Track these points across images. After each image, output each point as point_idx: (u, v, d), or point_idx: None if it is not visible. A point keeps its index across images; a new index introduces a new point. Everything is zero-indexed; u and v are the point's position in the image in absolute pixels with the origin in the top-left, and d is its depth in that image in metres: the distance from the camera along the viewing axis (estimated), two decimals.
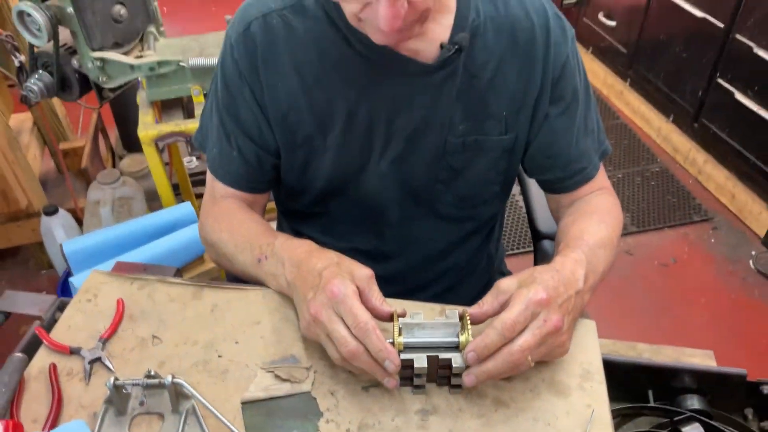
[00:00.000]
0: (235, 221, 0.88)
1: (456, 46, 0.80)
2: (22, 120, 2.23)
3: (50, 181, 2.30)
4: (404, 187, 0.91)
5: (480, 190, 0.94)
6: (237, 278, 0.91)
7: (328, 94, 0.84)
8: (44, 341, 0.72)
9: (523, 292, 0.65)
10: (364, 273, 0.69)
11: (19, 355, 0.69)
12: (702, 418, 0.72)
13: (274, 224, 1.04)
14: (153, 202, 2.00)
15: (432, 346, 0.65)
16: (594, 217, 0.85)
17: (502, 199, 1.00)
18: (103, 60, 1.47)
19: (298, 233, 1.01)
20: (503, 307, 0.66)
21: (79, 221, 1.96)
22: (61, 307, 0.79)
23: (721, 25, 2.20)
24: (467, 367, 0.64)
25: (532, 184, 1.17)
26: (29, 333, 0.74)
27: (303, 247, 0.76)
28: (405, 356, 0.64)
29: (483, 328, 0.64)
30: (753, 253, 2.17)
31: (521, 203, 2.35)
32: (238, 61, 0.84)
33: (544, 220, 1.14)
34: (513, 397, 0.67)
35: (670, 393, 0.76)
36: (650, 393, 0.77)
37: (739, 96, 2.16)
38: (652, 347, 0.85)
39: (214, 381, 0.68)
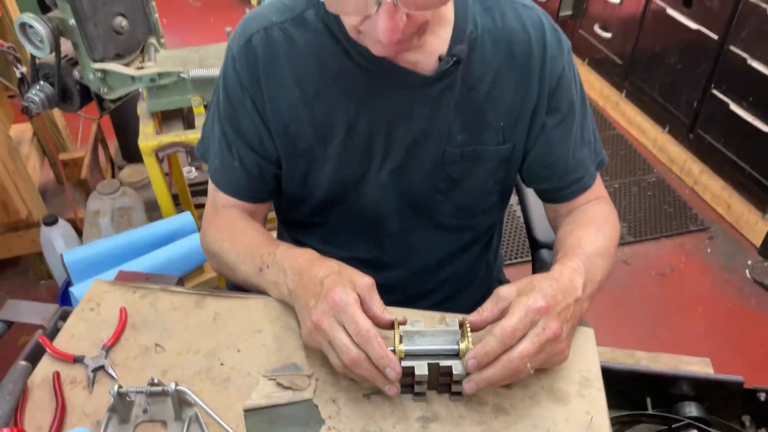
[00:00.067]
0: (237, 231, 0.89)
1: (454, 58, 0.81)
2: (22, 131, 2.24)
3: (49, 192, 2.31)
4: (404, 197, 0.92)
5: (478, 199, 0.95)
6: (238, 287, 0.92)
7: (329, 105, 0.85)
8: (47, 350, 0.72)
9: (522, 299, 0.66)
10: (365, 281, 0.70)
11: (23, 363, 0.70)
12: (700, 425, 0.73)
13: (274, 234, 1.05)
14: (152, 212, 2.01)
15: (432, 353, 0.66)
16: (591, 227, 0.86)
17: (500, 208, 1.01)
18: (104, 71, 1.48)
19: (298, 243, 1.02)
20: (503, 314, 0.67)
21: (79, 231, 1.96)
22: (64, 316, 0.79)
23: (715, 37, 2.23)
24: (467, 374, 0.64)
25: (530, 194, 1.18)
26: (32, 341, 0.74)
27: (304, 255, 0.77)
28: (406, 364, 0.65)
29: (483, 336, 0.65)
30: (749, 262, 2.19)
31: (519, 213, 2.36)
32: (240, 73, 0.85)
33: (541, 230, 1.15)
34: (513, 404, 0.68)
35: (668, 400, 0.77)
36: (648, 400, 0.78)
37: (734, 107, 2.18)
38: (649, 355, 0.85)
39: (217, 389, 0.69)
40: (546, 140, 0.90)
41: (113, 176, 2.39)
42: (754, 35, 2.07)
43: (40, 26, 1.37)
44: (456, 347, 0.66)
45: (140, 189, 2.08)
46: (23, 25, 1.39)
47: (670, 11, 2.43)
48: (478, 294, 1.08)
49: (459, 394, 0.67)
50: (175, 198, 2.04)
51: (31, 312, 0.83)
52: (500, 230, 1.12)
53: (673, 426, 0.74)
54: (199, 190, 2.29)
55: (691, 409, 0.75)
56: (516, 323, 0.64)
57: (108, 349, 0.73)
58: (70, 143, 2.39)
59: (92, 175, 2.20)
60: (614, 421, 0.74)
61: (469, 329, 0.66)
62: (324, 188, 0.91)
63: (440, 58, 0.82)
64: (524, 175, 0.96)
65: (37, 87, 1.52)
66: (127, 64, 1.53)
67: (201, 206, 2.21)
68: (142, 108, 1.63)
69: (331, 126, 0.86)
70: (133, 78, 1.50)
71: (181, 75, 1.51)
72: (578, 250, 0.79)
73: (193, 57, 1.60)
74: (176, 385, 0.63)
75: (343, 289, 0.67)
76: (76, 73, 1.51)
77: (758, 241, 2.22)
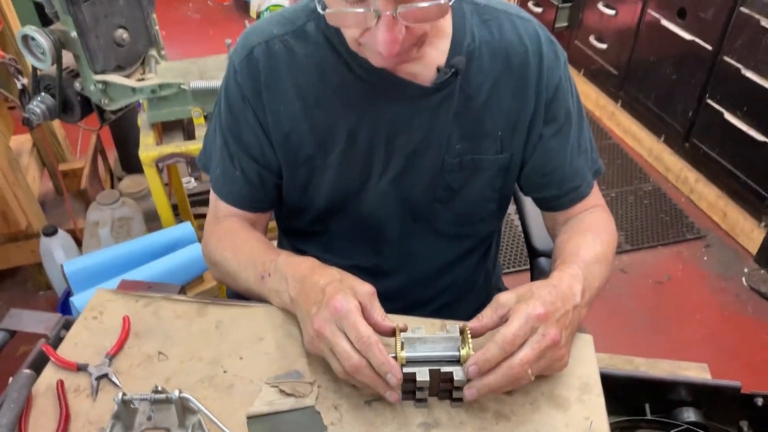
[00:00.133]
0: (238, 240, 0.90)
1: (452, 70, 0.83)
2: (21, 142, 2.25)
3: (48, 203, 2.31)
4: (403, 205, 0.93)
5: (477, 208, 0.96)
6: (239, 296, 0.93)
7: (329, 116, 0.86)
8: (51, 358, 0.73)
9: (521, 307, 0.67)
10: (365, 289, 0.71)
11: (27, 371, 0.70)
12: (698, 430, 0.74)
13: (274, 243, 1.06)
14: (152, 222, 2.02)
15: (433, 360, 0.67)
16: (589, 234, 0.87)
17: (498, 217, 1.02)
18: (105, 83, 1.49)
19: (298, 251, 1.03)
20: (502, 320, 0.68)
21: (78, 242, 1.97)
22: (66, 326, 0.80)
23: (710, 48, 2.26)
24: (468, 380, 0.65)
25: (528, 203, 1.20)
26: (35, 350, 0.75)
27: (306, 263, 0.78)
28: (407, 370, 0.65)
29: (483, 342, 0.65)
30: (745, 270, 2.20)
31: (516, 222, 2.38)
32: (242, 84, 0.86)
33: (539, 238, 1.16)
34: (513, 410, 0.68)
35: (667, 406, 0.78)
36: (647, 406, 0.78)
37: (729, 116, 2.20)
38: (648, 361, 0.86)
39: (220, 396, 0.69)
40: (543, 150, 0.91)
41: (112, 187, 2.40)
42: (747, 45, 2.10)
43: (42, 38, 1.38)
44: (457, 354, 0.67)
45: (139, 199, 2.09)
46: (25, 38, 1.40)
47: (665, 22, 2.46)
48: (477, 302, 1.09)
49: (460, 400, 0.68)
50: (175, 208, 2.05)
51: (34, 321, 0.83)
52: (498, 238, 1.13)
53: (672, 431, 0.74)
54: (198, 200, 2.29)
55: (690, 415, 0.76)
56: (516, 330, 0.64)
57: (111, 357, 0.73)
58: (69, 154, 2.40)
59: (92, 186, 2.20)
60: (613, 427, 0.74)
61: (469, 336, 0.67)
62: (324, 197, 0.92)
63: (439, 69, 0.84)
64: (522, 183, 0.97)
65: (39, 98, 1.53)
66: (127, 76, 1.55)
67: (200, 216, 2.22)
68: (142, 119, 1.64)
69: (331, 136, 0.87)
70: (134, 89, 1.51)
71: (182, 86, 1.52)
72: (576, 257, 0.80)
73: (193, 68, 1.61)
74: (180, 392, 0.64)
75: (344, 297, 0.68)
76: (77, 85, 1.52)
77: (754, 249, 2.23)
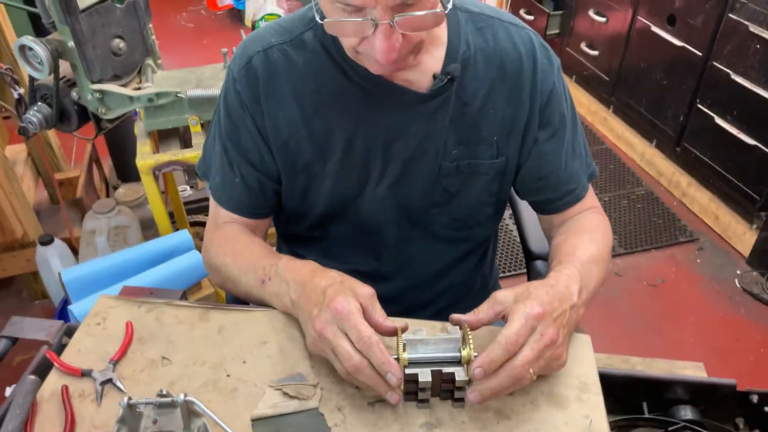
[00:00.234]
0: (239, 245, 0.91)
1: (448, 76, 0.84)
2: (16, 151, 2.25)
3: (43, 212, 2.31)
4: (401, 210, 0.94)
5: (474, 212, 0.97)
6: (239, 301, 0.94)
7: (327, 123, 0.87)
8: (55, 364, 0.73)
9: (519, 307, 0.68)
10: (366, 291, 0.72)
11: (32, 377, 0.71)
12: (695, 427, 0.75)
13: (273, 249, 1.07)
14: (147, 230, 2.02)
15: (435, 361, 0.68)
16: (585, 235, 0.88)
17: (495, 220, 1.04)
18: (102, 92, 1.50)
19: (298, 256, 1.02)
20: (497, 316, 0.70)
21: (74, 251, 1.96)
22: (68, 333, 0.80)
23: (699, 54, 2.29)
24: (470, 380, 0.66)
25: (524, 207, 1.21)
26: (39, 356, 0.75)
27: (306, 267, 0.79)
28: (410, 371, 0.66)
29: (483, 343, 0.66)
30: (738, 272, 2.22)
31: (511, 227, 2.39)
32: (241, 92, 0.87)
33: (535, 241, 1.17)
34: (514, 409, 0.69)
35: (664, 404, 0.79)
36: (644, 405, 0.80)
37: (719, 120, 2.23)
38: (644, 360, 0.87)
39: (224, 399, 0.70)
40: (539, 153, 0.93)
41: (107, 195, 2.40)
42: (736, 51, 2.13)
43: (39, 48, 1.39)
44: (458, 354, 0.68)
45: (135, 208, 2.09)
46: (23, 48, 1.41)
47: (655, 29, 2.49)
48: (474, 305, 1.07)
49: (461, 400, 0.69)
50: (171, 216, 2.05)
51: (36, 328, 0.83)
52: (495, 242, 1.14)
53: (669, 429, 0.75)
54: (194, 208, 2.30)
55: (686, 413, 0.77)
56: (518, 330, 0.65)
57: (115, 362, 0.74)
58: (64, 163, 2.40)
59: (87, 195, 2.20)
60: (612, 426, 0.75)
61: (470, 336, 0.68)
62: (323, 203, 0.93)
63: (435, 76, 0.85)
64: (518, 187, 0.98)
65: (35, 108, 1.53)
66: (124, 85, 1.56)
67: (196, 224, 2.22)
68: (139, 127, 1.65)
69: (329, 143, 0.88)
70: (131, 98, 1.52)
71: (179, 95, 1.53)
72: (573, 257, 0.81)
73: (190, 77, 1.62)
74: (185, 396, 0.64)
75: (345, 298, 0.69)
76: (74, 94, 1.52)
77: (746, 251, 2.26)
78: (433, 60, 0.86)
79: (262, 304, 0.84)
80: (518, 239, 1.25)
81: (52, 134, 2.32)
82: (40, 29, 2.62)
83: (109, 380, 0.71)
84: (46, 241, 1.83)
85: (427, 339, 0.69)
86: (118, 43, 1.52)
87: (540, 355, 0.66)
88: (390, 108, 0.87)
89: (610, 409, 0.72)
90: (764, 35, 2.01)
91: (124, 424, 0.66)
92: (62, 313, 1.79)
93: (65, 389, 0.70)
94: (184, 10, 4.42)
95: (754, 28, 2.04)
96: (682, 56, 2.38)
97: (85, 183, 2.22)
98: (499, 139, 0.90)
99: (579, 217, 0.96)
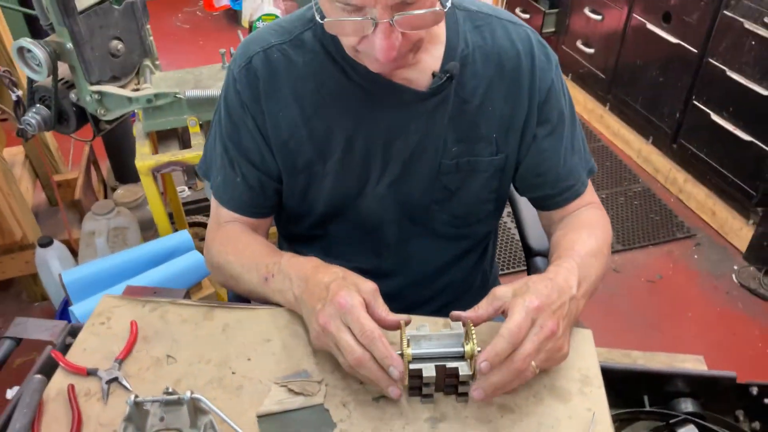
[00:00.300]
0: (241, 244, 0.91)
1: (447, 75, 0.85)
2: (14, 153, 2.25)
3: (41, 214, 2.31)
4: (401, 208, 0.95)
5: (474, 209, 0.98)
6: (241, 300, 0.94)
7: (327, 122, 0.88)
8: (61, 363, 0.73)
9: (518, 300, 0.69)
10: (368, 286, 0.73)
11: (38, 376, 0.71)
12: (696, 420, 0.75)
13: None
14: (147, 231, 2.02)
15: (439, 356, 0.68)
16: (584, 230, 0.89)
17: (495, 217, 1.04)
18: (101, 93, 1.50)
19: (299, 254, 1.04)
20: (497, 312, 0.70)
21: (73, 252, 1.96)
22: (72, 333, 0.81)
23: (695, 51, 2.30)
24: (474, 374, 0.67)
25: (523, 203, 1.22)
26: (43, 356, 0.75)
27: (309, 263, 0.80)
28: (414, 366, 0.67)
29: (486, 338, 0.67)
30: (735, 267, 2.24)
31: (510, 224, 2.40)
32: (241, 92, 0.88)
33: (535, 238, 1.18)
34: (517, 403, 0.70)
35: (665, 397, 0.79)
36: (646, 398, 0.80)
37: (715, 117, 2.25)
38: (645, 354, 0.88)
39: (230, 396, 0.70)
40: (537, 150, 0.93)
41: (105, 197, 2.40)
42: (731, 48, 2.15)
43: (38, 50, 1.39)
44: (461, 349, 0.68)
45: (134, 209, 2.09)
46: (21, 50, 1.41)
47: (651, 26, 2.51)
48: (475, 302, 1.08)
49: (465, 395, 0.69)
50: (170, 217, 2.05)
51: (40, 329, 0.84)
52: (495, 240, 1.15)
53: (671, 422, 0.76)
54: (193, 208, 2.30)
55: (687, 405, 0.78)
56: (520, 322, 0.66)
57: (120, 361, 0.74)
58: (62, 165, 2.40)
59: (85, 196, 2.20)
60: (613, 419, 0.76)
61: (473, 331, 0.68)
62: (324, 202, 0.94)
63: (434, 75, 0.86)
64: (518, 184, 0.99)
65: (34, 110, 1.53)
66: (123, 86, 1.56)
67: (195, 224, 2.22)
68: (138, 128, 1.65)
69: (329, 142, 0.89)
70: (129, 99, 1.52)
71: (177, 95, 1.54)
72: (572, 251, 0.82)
73: (188, 78, 1.63)
74: (191, 393, 0.65)
75: (348, 293, 0.70)
76: (72, 96, 1.52)
77: (743, 247, 2.27)
78: (432, 58, 0.86)
79: (265, 301, 0.85)
80: (518, 236, 1.26)
81: (49, 136, 2.32)
82: (36, 31, 2.62)
83: (115, 379, 0.72)
84: (46, 242, 1.83)
85: (430, 335, 0.70)
86: (117, 45, 1.52)
87: (541, 348, 0.67)
88: (390, 107, 0.87)
89: (612, 402, 0.72)
90: (759, 32, 2.02)
91: (131, 422, 0.66)
92: (63, 315, 1.79)
93: (71, 388, 0.70)
94: (180, 11, 4.42)
95: (749, 25, 2.05)
96: (677, 53, 2.39)
97: (84, 184, 2.22)
98: (498, 136, 0.91)
99: (578, 213, 0.96)
